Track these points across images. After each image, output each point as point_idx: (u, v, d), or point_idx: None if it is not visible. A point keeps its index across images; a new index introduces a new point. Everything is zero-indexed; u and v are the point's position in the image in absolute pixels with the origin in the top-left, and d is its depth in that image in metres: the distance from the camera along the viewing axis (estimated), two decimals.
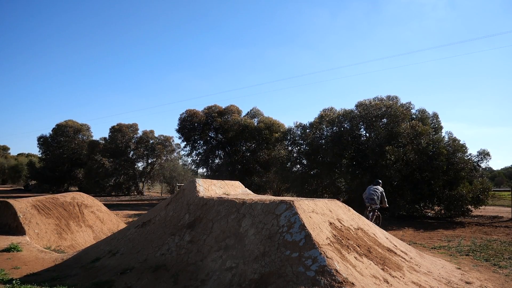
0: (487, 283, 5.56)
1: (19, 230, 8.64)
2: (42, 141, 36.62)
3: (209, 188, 7.09)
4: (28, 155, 60.46)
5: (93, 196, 13.07)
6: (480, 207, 14.80)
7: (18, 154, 63.14)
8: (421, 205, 15.45)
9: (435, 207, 15.60)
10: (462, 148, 15.11)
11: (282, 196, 16.76)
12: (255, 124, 25.71)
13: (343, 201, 13.83)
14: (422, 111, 18.50)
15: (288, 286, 3.95)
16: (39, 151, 38.20)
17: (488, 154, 15.52)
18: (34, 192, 34.66)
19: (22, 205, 9.23)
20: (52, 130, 36.61)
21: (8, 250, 7.31)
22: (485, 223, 13.06)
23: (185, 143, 27.29)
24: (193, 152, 27.37)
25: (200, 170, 29.43)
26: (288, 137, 21.04)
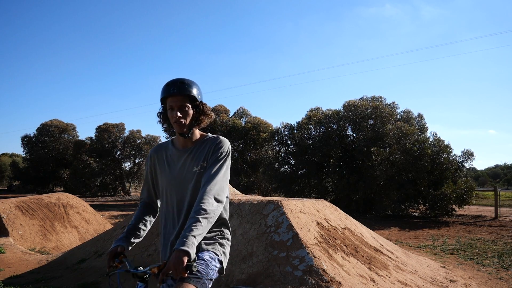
0: (471, 281, 5.65)
1: (2, 232, 8.47)
2: (26, 141, 35.91)
3: None
4: (12, 155, 59.33)
5: (78, 196, 12.89)
6: (464, 207, 15.06)
7: (1, 154, 61.86)
8: (407, 204, 15.63)
9: (420, 207, 15.82)
10: (447, 148, 15.35)
11: (270, 196, 16.78)
12: (243, 124, 25.70)
13: (331, 201, 13.92)
14: (407, 112, 18.75)
15: (276, 286, 3.96)
16: (23, 151, 37.49)
17: (472, 154, 15.81)
18: (18, 192, 34.06)
19: (6, 206, 9.05)
20: (36, 130, 35.97)
21: None
22: (469, 223, 13.29)
23: None
24: None
25: None
26: (276, 137, 21.09)
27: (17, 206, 9.26)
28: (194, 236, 1.66)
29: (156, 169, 2.16)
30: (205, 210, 1.76)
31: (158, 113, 2.09)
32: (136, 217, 2.15)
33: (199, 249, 1.94)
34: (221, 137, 2.08)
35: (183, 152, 2.07)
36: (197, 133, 2.11)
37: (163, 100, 2.03)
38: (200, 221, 1.72)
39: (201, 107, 2.05)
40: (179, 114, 1.96)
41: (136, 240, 2.10)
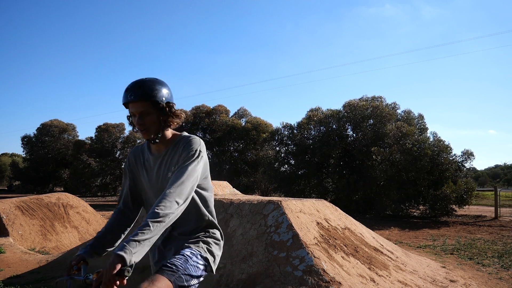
0: (471, 281, 5.65)
1: (2, 232, 8.47)
2: (26, 141, 35.91)
3: None
4: (12, 155, 59.36)
5: (78, 196, 12.89)
6: (464, 207, 15.05)
7: (1, 154, 61.86)
8: (407, 204, 15.64)
9: (420, 207, 15.81)
10: (447, 148, 15.35)
11: (270, 196, 16.77)
12: (243, 124, 25.71)
13: (331, 201, 13.91)
14: (408, 112, 18.76)
15: (276, 286, 3.96)
16: (23, 151, 37.49)
17: (472, 154, 15.80)
18: (18, 192, 34.08)
19: (6, 206, 9.05)
20: (36, 130, 35.95)
21: None
22: (469, 223, 13.29)
23: None
24: None
25: None
26: (276, 137, 21.09)
27: (17, 206, 9.26)
28: (138, 241, 1.53)
29: (135, 173, 2.06)
30: (157, 213, 1.63)
31: (127, 116, 1.96)
32: (107, 225, 1.99)
33: (182, 246, 1.90)
34: (192, 136, 1.94)
35: (157, 157, 1.96)
36: (169, 134, 1.98)
37: (126, 105, 1.88)
38: (149, 225, 1.59)
39: (167, 109, 1.87)
40: (139, 122, 1.83)
41: (109, 249, 1.96)
